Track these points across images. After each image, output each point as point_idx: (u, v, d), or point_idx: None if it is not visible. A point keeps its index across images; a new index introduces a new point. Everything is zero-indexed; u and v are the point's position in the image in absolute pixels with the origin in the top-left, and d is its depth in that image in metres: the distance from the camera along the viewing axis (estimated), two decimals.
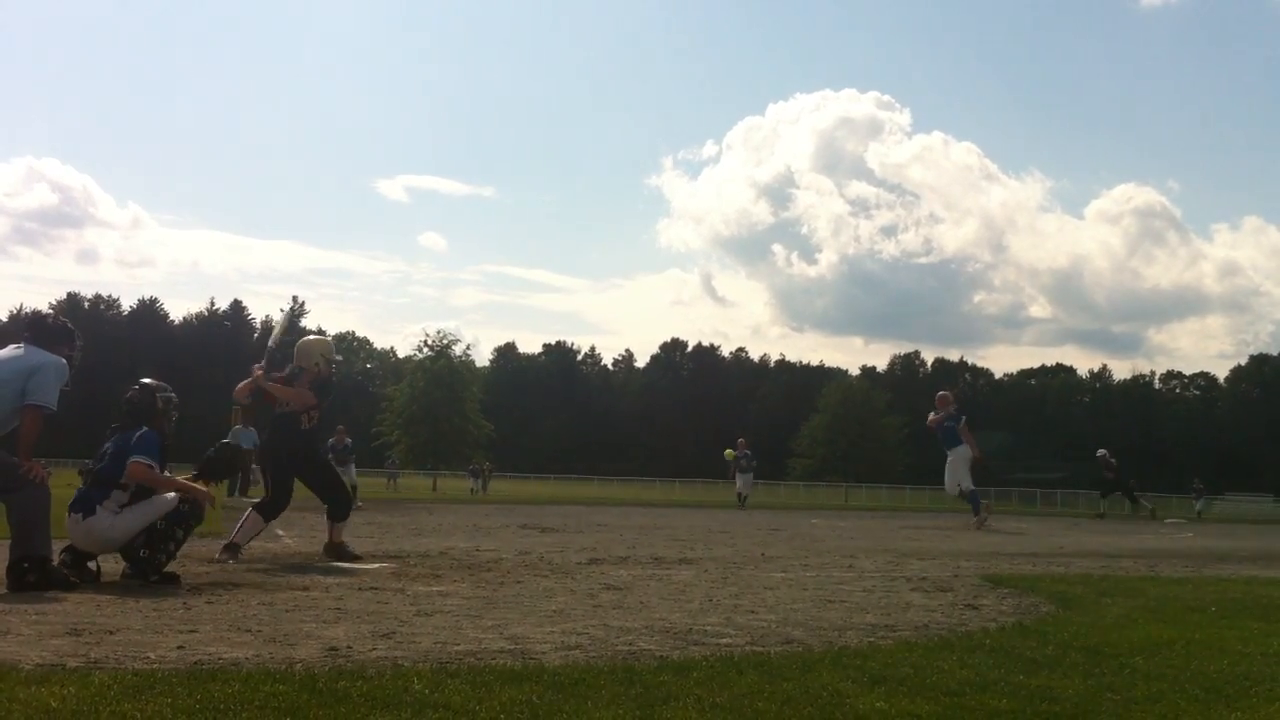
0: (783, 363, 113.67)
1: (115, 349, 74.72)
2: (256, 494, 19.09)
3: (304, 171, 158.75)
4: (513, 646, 4.09)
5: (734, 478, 26.20)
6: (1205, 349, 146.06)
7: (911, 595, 6.24)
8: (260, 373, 7.70)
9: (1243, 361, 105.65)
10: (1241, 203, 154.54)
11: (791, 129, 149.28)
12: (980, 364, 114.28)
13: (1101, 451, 25.42)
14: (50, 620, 4.44)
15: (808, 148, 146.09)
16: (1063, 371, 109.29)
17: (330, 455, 19.64)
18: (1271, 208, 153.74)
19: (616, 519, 15.86)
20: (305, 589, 5.74)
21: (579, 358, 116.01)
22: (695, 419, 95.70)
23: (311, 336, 8.59)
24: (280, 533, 8.68)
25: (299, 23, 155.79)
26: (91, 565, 5.94)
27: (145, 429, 6.10)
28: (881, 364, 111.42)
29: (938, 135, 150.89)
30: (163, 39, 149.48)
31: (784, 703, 3.21)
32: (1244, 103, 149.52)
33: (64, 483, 7.52)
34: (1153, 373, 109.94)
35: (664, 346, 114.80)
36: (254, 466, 21.34)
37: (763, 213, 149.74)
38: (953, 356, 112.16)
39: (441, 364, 48.17)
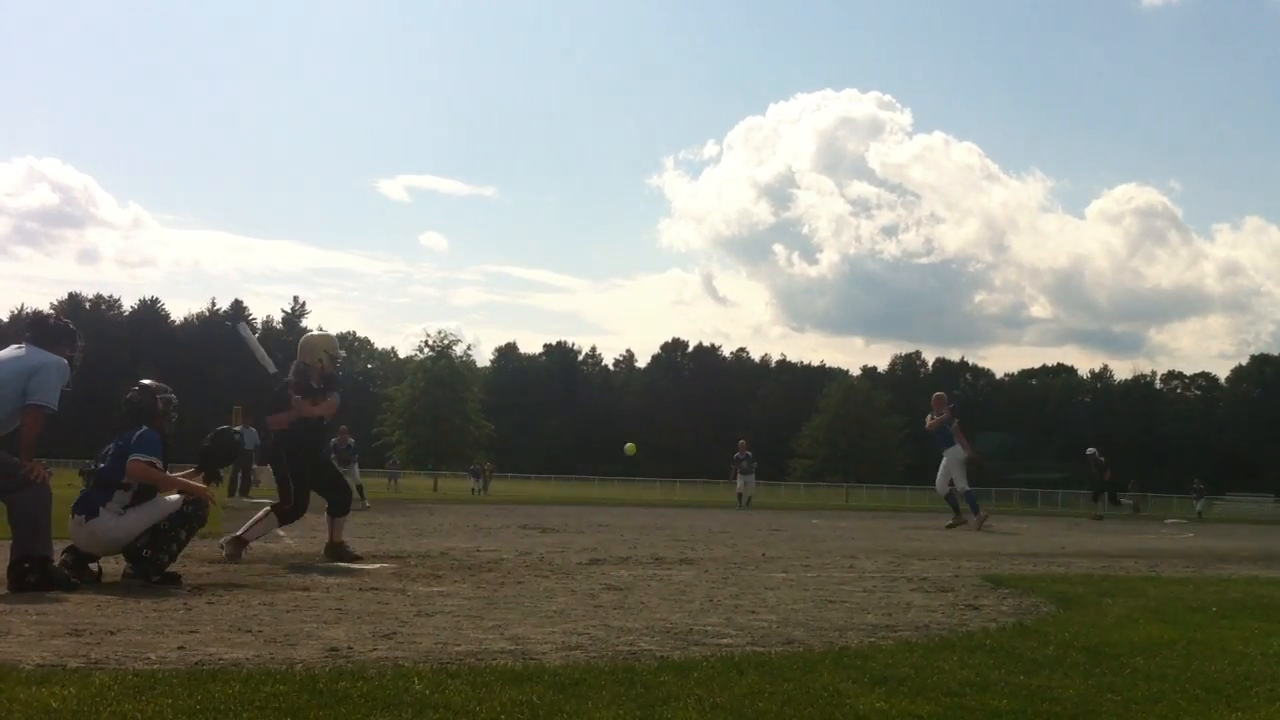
0: (784, 363, 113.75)
1: (116, 349, 74.76)
2: (257, 494, 19.18)
3: (305, 171, 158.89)
4: (513, 647, 4.09)
5: (735, 478, 26.21)
6: (1206, 349, 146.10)
7: (912, 596, 6.24)
8: (299, 399, 7.68)
9: (1244, 361, 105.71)
10: (1242, 202, 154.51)
11: (792, 129, 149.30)
12: (981, 364, 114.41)
13: (1091, 450, 25.14)
14: (51, 620, 4.45)
15: (809, 148, 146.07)
16: (1064, 371, 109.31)
17: (333, 456, 19.70)
18: (1272, 207, 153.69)
19: (617, 519, 15.87)
20: (306, 589, 5.74)
21: (580, 358, 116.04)
22: (696, 419, 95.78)
23: (314, 333, 8.59)
24: (281, 533, 8.69)
25: (300, 23, 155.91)
26: (93, 566, 5.94)
27: (145, 428, 6.10)
28: (882, 364, 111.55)
29: (939, 135, 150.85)
30: (163, 39, 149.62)
31: (785, 703, 3.21)
32: (1245, 102, 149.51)
33: (65, 483, 7.53)
34: (1154, 373, 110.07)
35: (665, 346, 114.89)
36: (255, 467, 21.46)
37: (764, 213, 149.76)
38: (954, 356, 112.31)
39: (442, 364, 48.21)
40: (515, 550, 8.78)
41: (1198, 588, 7.05)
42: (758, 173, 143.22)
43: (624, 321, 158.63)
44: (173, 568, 6.00)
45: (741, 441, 26.76)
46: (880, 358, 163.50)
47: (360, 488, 19.52)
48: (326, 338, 8.21)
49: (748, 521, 16.70)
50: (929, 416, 16.16)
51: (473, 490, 38.15)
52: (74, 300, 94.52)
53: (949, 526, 15.06)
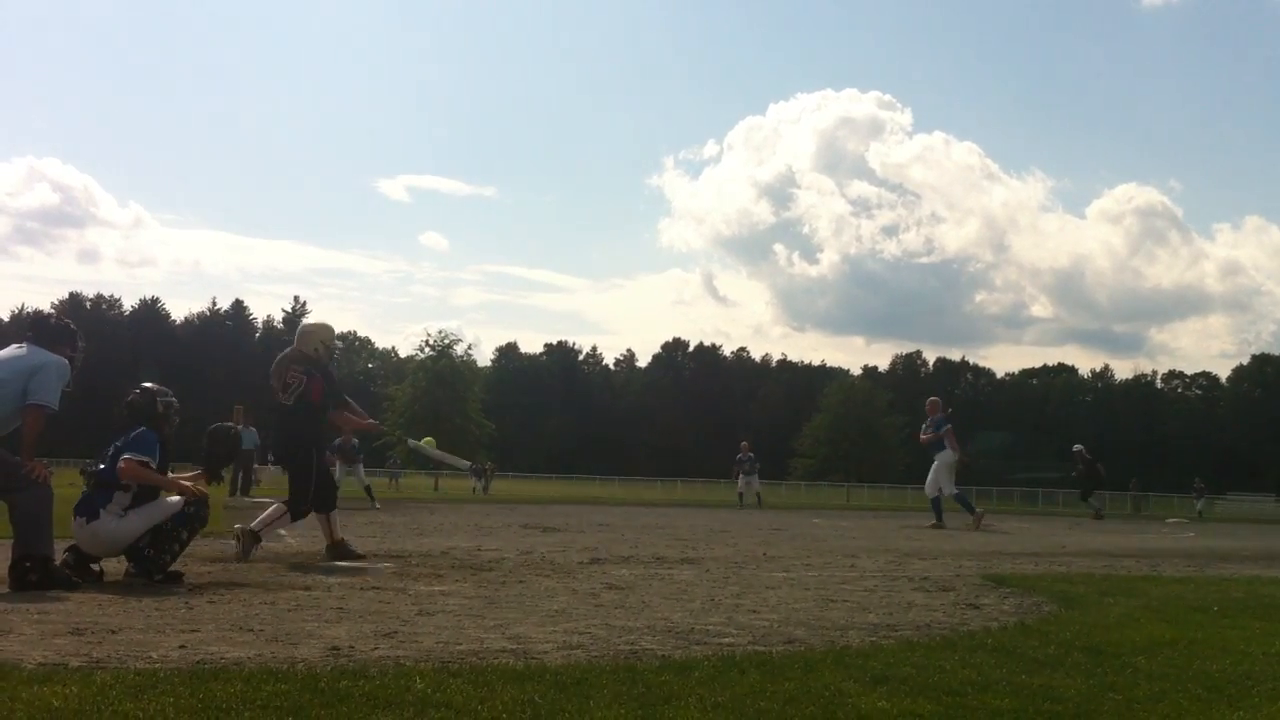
0: (784, 362, 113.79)
1: (117, 349, 74.73)
2: (258, 494, 19.16)
3: (305, 171, 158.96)
4: (515, 646, 4.09)
5: (736, 479, 26.33)
6: (1207, 348, 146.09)
7: (913, 595, 6.24)
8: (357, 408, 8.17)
9: (1244, 361, 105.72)
10: (1243, 202, 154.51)
11: (793, 129, 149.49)
12: (982, 364, 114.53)
13: (1078, 447, 24.76)
14: (52, 619, 4.45)
15: (809, 147, 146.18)
16: (1064, 371, 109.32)
17: (337, 456, 19.68)
18: (1273, 207, 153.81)
19: (618, 519, 15.86)
20: (307, 588, 5.74)
21: (580, 357, 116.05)
22: (697, 419, 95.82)
23: (311, 322, 8.56)
24: (282, 532, 8.68)
25: (300, 22, 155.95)
26: (94, 565, 5.94)
27: (142, 428, 6.10)
28: (883, 364, 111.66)
29: (939, 135, 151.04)
30: (163, 39, 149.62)
31: (786, 702, 3.21)
32: (1245, 102, 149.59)
33: (66, 482, 7.53)
34: (1154, 372, 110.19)
35: (665, 346, 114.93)
36: (255, 467, 21.44)
37: (764, 212, 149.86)
38: (954, 356, 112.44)
39: (443, 364, 48.26)
40: (516, 549, 8.78)
41: (1199, 587, 7.05)
42: (758, 172, 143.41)
43: (624, 321, 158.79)
44: (174, 567, 6.00)
45: (744, 443, 27.08)
46: (881, 357, 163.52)
47: (369, 489, 19.51)
48: (324, 327, 8.16)
49: (749, 521, 16.70)
50: (924, 426, 16.26)
51: (474, 490, 38.12)
52: (74, 300, 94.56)
53: (931, 526, 15.21)
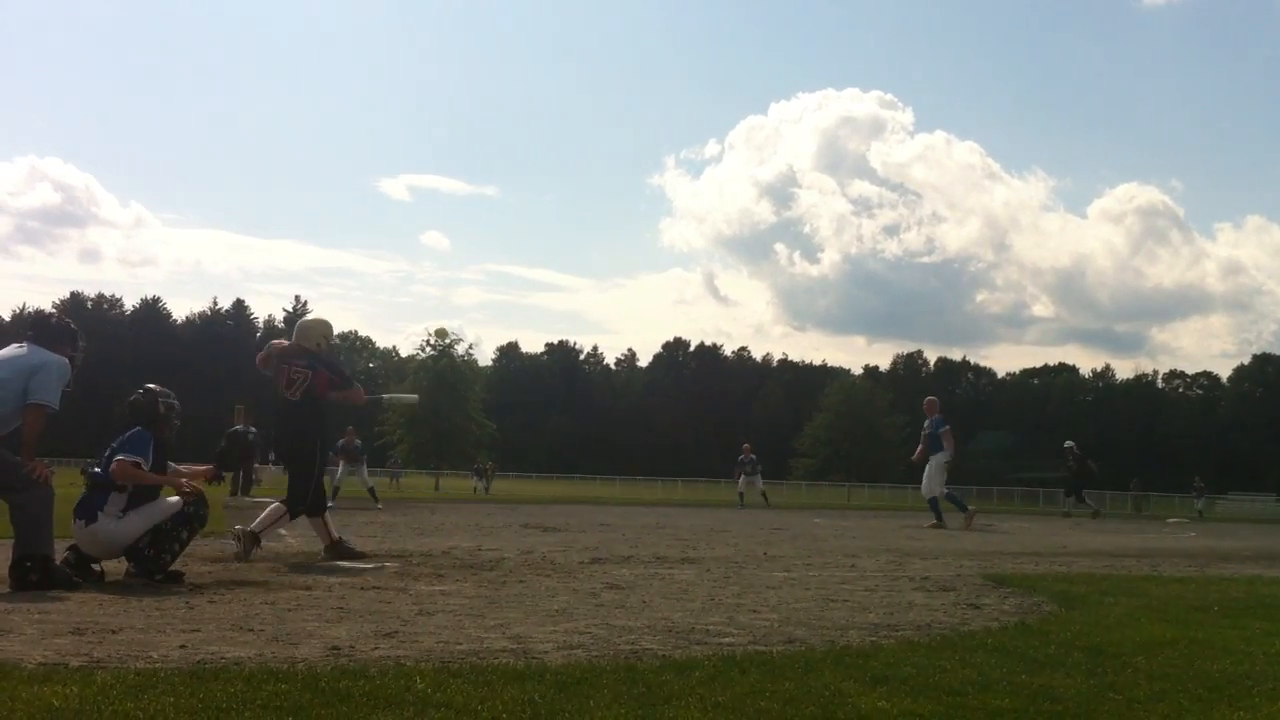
0: (785, 362, 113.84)
1: (118, 348, 74.83)
2: (258, 495, 19.16)
3: (306, 171, 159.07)
4: (515, 646, 4.09)
5: (738, 479, 26.44)
6: (1208, 348, 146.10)
7: (914, 595, 6.24)
8: (358, 386, 8.08)
9: (1245, 361, 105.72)
10: (1244, 202, 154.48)
11: (794, 128, 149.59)
12: (983, 363, 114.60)
13: (1069, 444, 24.32)
14: (53, 619, 4.45)
15: (810, 147, 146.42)
16: (1065, 371, 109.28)
17: (341, 456, 19.70)
18: (1274, 206, 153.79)
19: (619, 518, 15.86)
20: (308, 588, 5.74)
21: (581, 357, 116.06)
22: (698, 418, 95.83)
23: (310, 317, 8.55)
24: (283, 532, 8.69)
25: (300, 22, 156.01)
26: (95, 565, 5.94)
27: (137, 429, 6.10)
28: (884, 363, 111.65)
29: (940, 134, 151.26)
30: (164, 38, 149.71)
31: (786, 702, 3.21)
32: (1246, 102, 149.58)
33: (66, 482, 7.53)
34: (1155, 372, 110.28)
35: (666, 346, 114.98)
36: (256, 466, 21.45)
37: (765, 212, 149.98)
38: (955, 356, 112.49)
39: (444, 363, 48.20)
40: (517, 549, 8.78)
41: (1200, 587, 7.04)
42: (759, 172, 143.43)
43: (625, 321, 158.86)
44: (175, 567, 6.00)
45: (746, 445, 27.40)
46: (882, 357, 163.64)
47: (372, 490, 19.52)
48: (323, 322, 8.16)
49: (749, 520, 16.70)
50: (924, 425, 16.31)
51: (475, 489, 38.12)
52: (76, 299, 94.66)
53: (931, 526, 15.24)
